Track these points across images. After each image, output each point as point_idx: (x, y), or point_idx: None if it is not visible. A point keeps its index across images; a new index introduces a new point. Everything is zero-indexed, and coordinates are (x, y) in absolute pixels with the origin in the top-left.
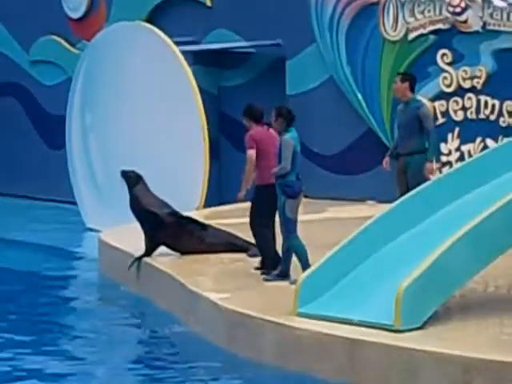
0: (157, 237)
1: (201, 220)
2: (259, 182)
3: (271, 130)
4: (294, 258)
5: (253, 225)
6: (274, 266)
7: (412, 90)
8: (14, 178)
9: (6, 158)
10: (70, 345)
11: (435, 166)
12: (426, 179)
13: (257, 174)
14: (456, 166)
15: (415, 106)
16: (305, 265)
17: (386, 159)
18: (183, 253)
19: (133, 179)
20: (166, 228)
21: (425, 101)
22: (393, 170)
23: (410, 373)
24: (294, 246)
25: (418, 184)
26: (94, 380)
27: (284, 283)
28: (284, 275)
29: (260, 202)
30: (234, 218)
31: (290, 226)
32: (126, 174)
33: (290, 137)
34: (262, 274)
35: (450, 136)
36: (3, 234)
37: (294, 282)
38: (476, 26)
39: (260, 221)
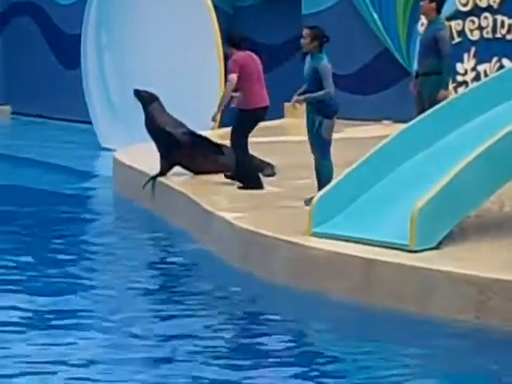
0: (172, 156)
1: (216, 140)
2: (242, 106)
3: (253, 55)
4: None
5: (236, 149)
6: (257, 186)
7: (438, 11)
8: (29, 98)
9: (22, 78)
10: (85, 262)
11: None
12: (442, 99)
13: (240, 99)
14: (472, 85)
15: (435, 28)
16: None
17: (413, 82)
18: (197, 173)
19: (146, 98)
20: (181, 148)
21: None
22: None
23: (425, 293)
24: (324, 166)
25: (434, 104)
26: (108, 298)
27: (299, 204)
28: None
29: (242, 126)
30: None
31: (325, 146)
32: (139, 94)
33: (327, 61)
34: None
35: (465, 56)
36: (18, 152)
37: (308, 203)
38: None
39: (243, 145)
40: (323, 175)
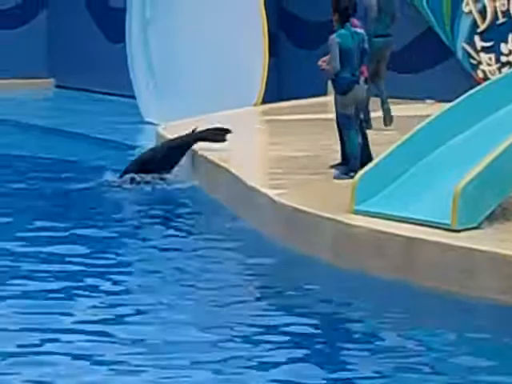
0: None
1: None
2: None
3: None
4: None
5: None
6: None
7: None
8: (73, 71)
9: (66, 51)
10: (123, 235)
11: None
12: None
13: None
14: None
15: None
16: (352, 162)
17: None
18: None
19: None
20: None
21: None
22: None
23: (466, 272)
24: (347, 142)
25: None
26: (149, 269)
27: (342, 181)
28: (347, 172)
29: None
30: (292, 115)
31: (344, 121)
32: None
33: (338, 35)
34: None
35: (510, 36)
36: (62, 126)
37: (335, 168)
38: None
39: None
40: (350, 151)
